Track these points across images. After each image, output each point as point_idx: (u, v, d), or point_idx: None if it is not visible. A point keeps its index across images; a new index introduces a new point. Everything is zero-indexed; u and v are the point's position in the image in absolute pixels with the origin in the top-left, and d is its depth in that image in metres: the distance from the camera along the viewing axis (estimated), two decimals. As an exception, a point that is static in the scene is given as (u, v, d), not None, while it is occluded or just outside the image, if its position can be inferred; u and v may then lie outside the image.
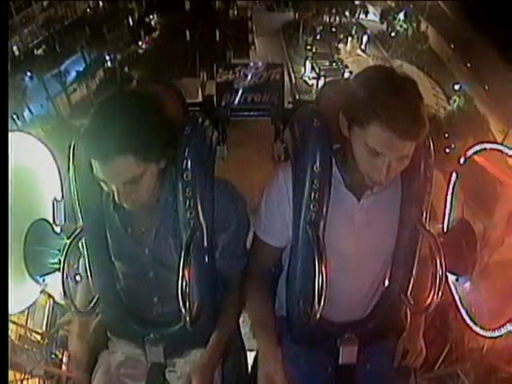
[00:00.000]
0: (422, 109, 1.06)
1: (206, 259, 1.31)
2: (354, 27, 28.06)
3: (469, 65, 24.37)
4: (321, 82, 23.06)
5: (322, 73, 23.87)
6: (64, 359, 6.89)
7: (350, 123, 1.14)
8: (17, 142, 1.34)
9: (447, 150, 17.59)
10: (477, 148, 1.45)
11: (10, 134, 1.28)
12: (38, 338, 6.01)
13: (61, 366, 6.81)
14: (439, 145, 16.94)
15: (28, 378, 6.28)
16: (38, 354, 6.06)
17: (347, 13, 28.20)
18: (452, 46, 26.41)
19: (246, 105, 2.24)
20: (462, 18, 25.66)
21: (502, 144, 1.38)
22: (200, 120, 1.30)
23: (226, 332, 1.42)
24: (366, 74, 1.15)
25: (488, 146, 1.42)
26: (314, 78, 24.06)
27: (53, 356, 6.78)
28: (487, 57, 22.83)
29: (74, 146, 1.24)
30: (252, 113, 2.26)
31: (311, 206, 1.24)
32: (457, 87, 22.66)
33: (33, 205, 1.43)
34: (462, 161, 1.48)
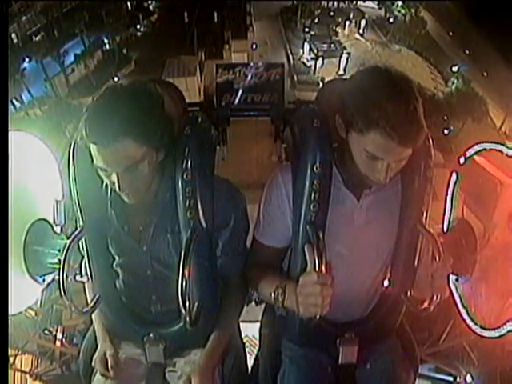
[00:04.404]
0: (419, 112, 1.05)
1: (206, 259, 1.31)
2: (352, 12, 28.18)
3: (467, 51, 24.42)
4: (319, 63, 23.38)
5: (320, 54, 23.99)
6: (58, 335, 6.91)
7: (347, 127, 1.14)
8: (17, 141, 1.34)
9: (446, 132, 17.66)
10: (477, 148, 1.44)
11: (10, 133, 1.28)
12: (33, 313, 5.99)
13: (54, 342, 6.82)
14: (438, 126, 17.01)
15: (21, 354, 6.28)
16: (32, 329, 6.05)
17: (345, -2, 28.45)
18: (450, 33, 26.51)
19: (246, 105, 2.25)
20: (461, 8, 25.77)
21: (502, 144, 1.38)
22: (200, 120, 1.30)
23: (226, 332, 1.42)
24: (362, 78, 1.13)
25: (488, 145, 1.42)
26: (312, 58, 24.15)
27: (46, 332, 6.80)
28: (486, 47, 22.90)
29: (73, 146, 1.24)
30: (252, 113, 2.26)
31: (311, 207, 1.24)
32: (455, 69, 22.72)
33: (33, 205, 1.43)
34: (461, 161, 1.48)
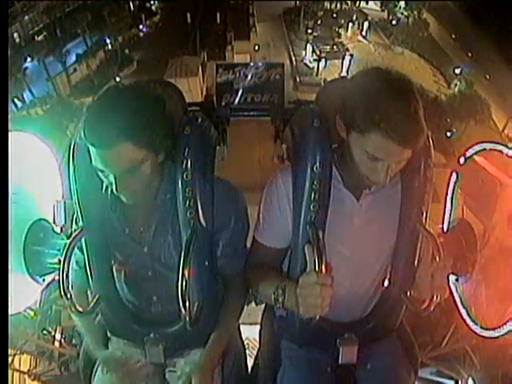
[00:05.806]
0: (419, 114, 1.05)
1: (206, 259, 1.31)
2: (355, 14, 28.16)
3: (470, 54, 24.44)
4: (322, 64, 23.38)
5: (322, 55, 24.01)
6: (57, 336, 6.92)
7: (347, 128, 1.14)
8: (17, 141, 1.34)
9: (448, 134, 17.66)
10: (477, 148, 1.44)
11: (10, 133, 1.28)
12: (32, 314, 6.01)
13: (53, 342, 6.83)
14: (441, 128, 16.99)
15: (20, 354, 6.29)
16: (31, 330, 6.06)
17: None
18: (453, 36, 26.52)
19: (246, 105, 2.24)
20: (464, 11, 25.77)
21: (502, 144, 1.38)
22: (200, 120, 1.31)
23: (226, 332, 1.42)
24: (363, 79, 1.13)
25: (488, 145, 1.41)
26: (315, 60, 24.16)
27: (45, 332, 6.82)
28: (489, 49, 22.90)
29: (73, 146, 1.25)
30: (252, 113, 2.25)
31: (311, 207, 1.24)
32: (457, 71, 22.72)
33: (33, 205, 1.43)
34: (462, 161, 1.48)
